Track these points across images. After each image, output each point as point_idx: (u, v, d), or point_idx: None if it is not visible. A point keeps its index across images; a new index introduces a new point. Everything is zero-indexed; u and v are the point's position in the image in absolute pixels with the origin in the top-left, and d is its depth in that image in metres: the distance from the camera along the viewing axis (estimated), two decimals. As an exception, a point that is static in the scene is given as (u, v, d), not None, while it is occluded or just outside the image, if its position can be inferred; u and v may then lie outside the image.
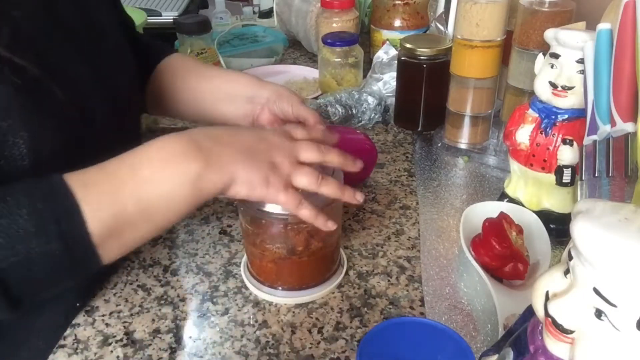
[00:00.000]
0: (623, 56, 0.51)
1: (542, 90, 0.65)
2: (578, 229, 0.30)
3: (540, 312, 0.34)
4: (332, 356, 0.55)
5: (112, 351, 0.56)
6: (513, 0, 0.80)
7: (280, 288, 0.62)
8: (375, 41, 1.16)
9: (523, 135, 0.68)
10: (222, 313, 0.60)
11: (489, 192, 0.79)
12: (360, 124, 0.96)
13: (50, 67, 0.51)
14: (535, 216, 0.67)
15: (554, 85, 0.64)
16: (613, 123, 0.52)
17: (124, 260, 0.67)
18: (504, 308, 0.56)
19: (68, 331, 0.58)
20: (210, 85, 0.74)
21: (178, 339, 0.57)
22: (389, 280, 0.64)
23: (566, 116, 0.65)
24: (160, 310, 0.61)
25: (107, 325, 0.59)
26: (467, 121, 0.86)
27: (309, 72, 1.18)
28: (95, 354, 0.55)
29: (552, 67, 0.64)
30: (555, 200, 0.69)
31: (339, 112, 0.94)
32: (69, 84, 0.53)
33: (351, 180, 0.63)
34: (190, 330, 0.58)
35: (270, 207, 0.57)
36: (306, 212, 0.54)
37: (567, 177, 0.66)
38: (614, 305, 0.29)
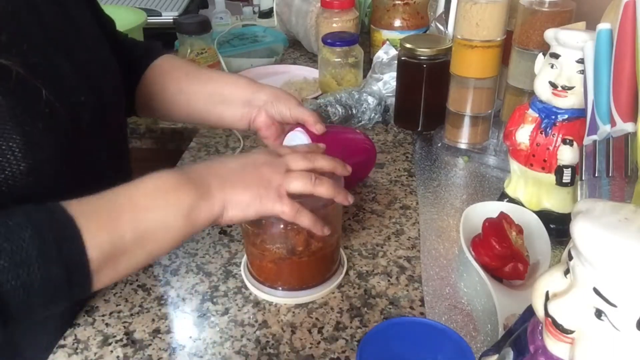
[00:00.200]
0: (623, 56, 0.50)
1: (542, 90, 0.65)
2: (578, 229, 0.30)
3: (540, 312, 0.34)
4: (332, 356, 0.55)
5: (112, 351, 0.56)
6: (513, 0, 0.80)
7: (280, 288, 0.62)
8: (375, 41, 1.16)
9: (523, 135, 0.68)
10: (222, 313, 0.60)
11: (489, 192, 0.79)
12: (360, 124, 0.96)
13: (34, 67, 0.51)
14: (535, 216, 0.67)
15: (554, 85, 0.64)
16: (613, 123, 0.52)
17: (124, 260, 0.68)
18: (504, 308, 0.56)
19: (68, 331, 0.58)
20: (205, 88, 0.74)
21: (178, 339, 0.57)
22: (389, 280, 0.64)
23: (566, 116, 0.65)
24: (160, 310, 0.61)
25: (107, 325, 0.59)
26: (467, 121, 0.86)
27: (309, 72, 1.18)
28: (95, 354, 0.55)
29: (552, 67, 0.64)
30: (555, 200, 0.69)
31: (339, 112, 0.94)
32: (53, 83, 0.52)
33: (351, 179, 0.63)
34: (190, 330, 0.58)
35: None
36: (305, 220, 0.55)
37: (567, 177, 0.66)
38: (614, 305, 0.29)
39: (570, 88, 0.63)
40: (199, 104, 0.74)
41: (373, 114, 0.96)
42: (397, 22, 1.12)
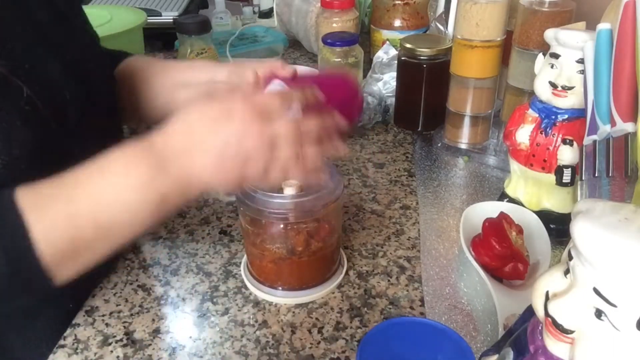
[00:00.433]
0: (623, 56, 0.50)
1: (542, 90, 0.65)
2: (578, 229, 0.30)
3: (540, 312, 0.34)
4: (332, 356, 0.55)
5: (112, 351, 0.56)
6: (513, 0, 0.80)
7: (280, 288, 0.62)
8: (375, 41, 1.16)
9: (523, 135, 0.68)
10: (222, 313, 0.60)
11: (489, 192, 0.79)
12: (360, 124, 0.96)
13: (18, 65, 0.50)
14: (535, 216, 0.67)
15: (554, 85, 0.64)
16: (613, 123, 0.52)
17: (124, 260, 0.68)
18: (504, 308, 0.56)
19: (68, 331, 0.58)
20: (165, 79, 0.70)
21: (178, 339, 0.57)
22: (389, 280, 0.64)
23: (566, 116, 0.65)
24: (160, 310, 0.61)
25: (107, 325, 0.59)
26: (467, 121, 0.86)
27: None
28: (95, 354, 0.55)
29: (552, 67, 0.64)
30: (555, 200, 0.69)
31: (339, 112, 0.94)
32: (38, 81, 0.52)
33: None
34: (190, 330, 0.58)
35: (270, 207, 0.57)
36: (298, 174, 0.51)
37: (567, 177, 0.66)
38: (614, 305, 0.29)
39: (570, 88, 0.63)
40: (164, 95, 0.70)
41: (373, 114, 0.96)
42: (397, 22, 1.12)
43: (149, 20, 1.23)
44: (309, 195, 0.58)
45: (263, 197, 0.57)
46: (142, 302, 0.62)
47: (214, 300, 0.62)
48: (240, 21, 1.51)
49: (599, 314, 0.30)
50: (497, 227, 0.62)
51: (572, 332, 0.31)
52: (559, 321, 0.32)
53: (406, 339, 0.45)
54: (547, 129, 0.66)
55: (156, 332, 0.58)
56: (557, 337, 0.32)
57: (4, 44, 0.51)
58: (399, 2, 1.10)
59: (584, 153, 0.58)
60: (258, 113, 0.47)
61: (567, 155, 0.65)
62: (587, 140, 0.58)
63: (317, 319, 0.59)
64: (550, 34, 0.64)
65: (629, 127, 0.51)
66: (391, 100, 0.98)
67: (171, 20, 1.32)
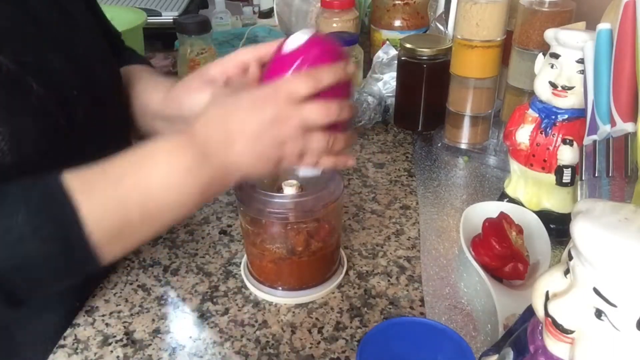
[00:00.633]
0: (623, 56, 0.50)
1: (542, 90, 0.65)
2: (578, 229, 0.30)
3: (540, 312, 0.34)
4: (332, 356, 0.55)
5: (112, 351, 0.56)
6: (513, 0, 0.80)
7: (280, 288, 0.62)
8: (375, 41, 1.15)
9: (523, 135, 0.68)
10: (222, 313, 0.60)
11: (489, 192, 0.79)
12: (360, 124, 0.96)
13: (24, 61, 0.51)
14: (535, 216, 0.67)
15: (554, 85, 0.64)
16: (613, 123, 0.52)
17: (124, 260, 0.67)
18: (504, 308, 0.56)
19: (68, 331, 0.58)
20: (146, 107, 0.69)
21: (178, 339, 0.57)
22: (389, 280, 0.64)
23: (566, 116, 0.65)
24: (160, 310, 0.61)
25: (107, 325, 0.59)
26: (467, 121, 0.86)
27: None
28: (95, 354, 0.55)
29: (552, 67, 0.64)
30: (555, 200, 0.69)
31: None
32: (45, 77, 0.52)
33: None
34: (190, 330, 0.58)
35: (270, 207, 0.57)
36: (327, 163, 0.52)
37: (567, 177, 0.66)
38: (614, 305, 0.29)
39: (570, 88, 0.63)
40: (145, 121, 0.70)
41: (373, 114, 0.96)
42: (397, 22, 1.12)
43: (149, 20, 1.22)
44: (309, 195, 0.58)
45: (263, 197, 0.57)
46: (142, 302, 0.62)
47: (214, 300, 0.62)
48: (241, 21, 1.51)
49: (599, 314, 0.30)
50: (497, 227, 0.62)
51: (572, 332, 0.31)
52: (559, 321, 0.32)
53: (406, 339, 0.45)
54: (547, 129, 0.66)
55: (156, 332, 0.58)
56: (557, 337, 0.32)
57: (7, 39, 0.51)
58: (399, 2, 1.10)
59: (584, 153, 0.58)
60: (288, 98, 0.48)
61: (567, 155, 0.65)
62: (587, 140, 0.58)
63: (317, 319, 0.59)
64: (550, 34, 0.64)
65: (629, 127, 0.51)
66: (391, 100, 0.98)
67: (171, 20, 1.32)
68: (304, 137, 0.49)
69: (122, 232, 0.47)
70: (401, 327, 0.46)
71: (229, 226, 0.74)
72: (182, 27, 1.06)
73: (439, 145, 0.91)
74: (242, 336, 0.57)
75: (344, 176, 0.83)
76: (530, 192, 0.70)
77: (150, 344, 0.56)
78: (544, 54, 0.66)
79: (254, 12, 1.56)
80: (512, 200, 0.72)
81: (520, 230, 0.63)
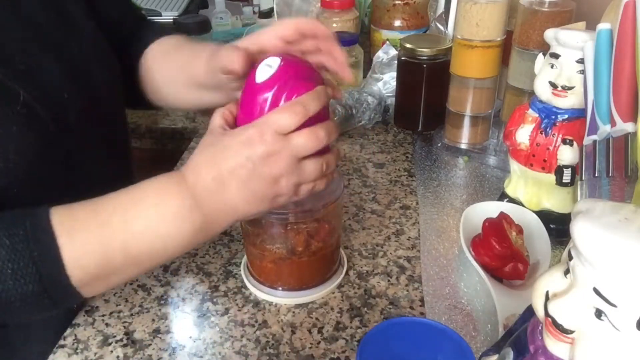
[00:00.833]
0: (623, 56, 0.50)
1: (542, 90, 0.65)
2: (578, 229, 0.30)
3: (540, 312, 0.34)
4: (332, 356, 0.55)
5: (112, 351, 0.56)
6: (513, 0, 0.80)
7: (280, 288, 0.62)
8: (375, 41, 1.15)
9: (523, 135, 0.68)
10: (222, 313, 0.60)
11: (489, 192, 0.79)
12: (360, 124, 0.96)
13: (14, 69, 0.50)
14: (535, 216, 0.67)
15: (554, 85, 0.64)
16: (613, 123, 0.52)
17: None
18: (504, 308, 0.56)
19: (68, 331, 0.58)
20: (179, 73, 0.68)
21: (178, 339, 0.57)
22: (389, 280, 0.64)
23: (566, 116, 0.65)
24: (160, 310, 0.61)
25: (107, 325, 0.59)
26: (467, 121, 0.86)
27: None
28: (95, 354, 0.55)
29: (552, 67, 0.64)
30: (555, 200, 0.69)
31: (339, 112, 0.94)
32: (35, 84, 0.52)
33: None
34: (190, 330, 0.58)
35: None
36: (321, 185, 0.52)
37: (567, 177, 0.66)
38: (614, 305, 0.29)
39: (570, 88, 0.63)
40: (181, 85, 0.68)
41: (373, 114, 0.96)
42: (397, 22, 1.12)
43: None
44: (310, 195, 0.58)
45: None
46: (142, 302, 0.62)
47: (214, 300, 0.62)
48: (241, 21, 1.51)
49: (599, 314, 0.30)
50: (497, 227, 0.62)
51: (572, 332, 0.31)
52: (559, 321, 0.32)
53: (406, 339, 0.45)
54: (547, 129, 0.66)
55: (156, 332, 0.58)
56: (557, 337, 0.32)
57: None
58: (399, 2, 1.10)
59: (584, 153, 0.58)
60: (276, 133, 0.47)
61: (567, 155, 0.65)
62: (587, 140, 0.58)
63: (317, 319, 0.59)
64: (550, 34, 0.64)
65: (629, 127, 0.51)
66: (391, 100, 0.98)
67: (171, 20, 1.32)
68: (298, 168, 0.48)
69: (104, 273, 0.47)
70: (401, 327, 0.46)
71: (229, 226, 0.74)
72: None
73: (439, 145, 0.91)
74: (242, 336, 0.57)
75: (343, 176, 0.83)
76: (530, 192, 0.70)
77: (150, 344, 0.56)
78: (544, 54, 0.66)
79: (254, 12, 1.56)
80: (512, 200, 0.72)
81: (520, 230, 0.63)
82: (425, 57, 0.89)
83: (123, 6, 0.75)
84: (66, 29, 0.60)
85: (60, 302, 0.47)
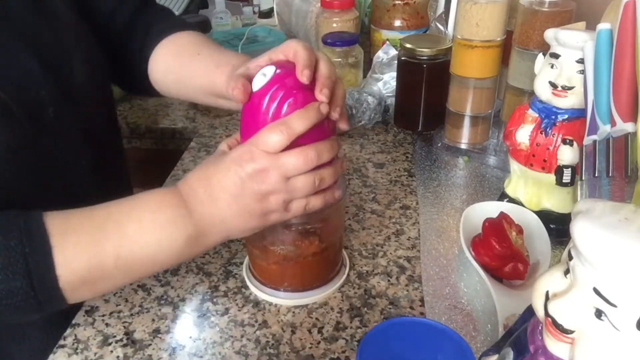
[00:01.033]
0: (623, 56, 0.50)
1: (542, 90, 0.65)
2: (578, 229, 0.30)
3: (540, 312, 0.34)
4: (332, 356, 0.55)
5: (112, 351, 0.56)
6: (513, 0, 0.80)
7: (283, 290, 0.62)
8: (375, 41, 1.15)
9: (523, 135, 0.68)
10: (222, 313, 0.60)
11: (489, 192, 0.79)
12: (360, 124, 0.96)
13: None
14: (535, 216, 0.67)
15: (554, 85, 0.64)
16: (613, 123, 0.52)
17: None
18: (504, 308, 0.56)
19: (68, 331, 0.58)
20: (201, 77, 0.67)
21: (178, 339, 0.57)
22: (389, 280, 0.64)
23: (566, 116, 0.65)
24: (160, 310, 0.61)
25: (107, 325, 0.59)
26: (467, 121, 0.86)
27: (309, 72, 1.18)
28: (95, 354, 0.55)
29: (552, 67, 0.64)
30: (555, 200, 0.69)
31: (339, 112, 0.93)
32: (10, 80, 0.51)
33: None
34: (190, 330, 0.58)
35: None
36: (317, 203, 0.52)
37: (567, 177, 0.66)
38: (614, 305, 0.29)
39: (570, 88, 0.63)
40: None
41: (373, 114, 0.96)
42: (397, 22, 1.12)
43: (149, 20, 1.22)
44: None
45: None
46: (142, 302, 0.62)
47: (214, 300, 0.62)
48: (241, 21, 1.51)
49: (599, 314, 0.30)
50: (497, 227, 0.62)
51: (572, 332, 0.31)
52: (559, 321, 0.32)
53: (406, 339, 0.45)
54: (547, 129, 0.66)
55: (156, 332, 0.58)
56: (557, 337, 0.32)
57: None
58: (399, 2, 1.10)
59: (584, 153, 0.58)
60: (264, 152, 0.49)
61: (567, 155, 0.65)
62: (587, 140, 0.58)
63: (317, 319, 0.59)
64: (550, 34, 0.64)
65: (629, 127, 0.51)
66: (391, 100, 0.98)
67: (171, 20, 1.32)
68: (287, 185, 0.49)
69: (92, 277, 0.47)
70: (401, 327, 0.46)
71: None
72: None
73: (439, 145, 0.91)
74: (242, 336, 0.57)
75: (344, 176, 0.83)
76: (530, 192, 0.70)
77: (150, 344, 0.56)
78: (544, 54, 0.66)
79: (254, 12, 1.56)
80: (512, 200, 0.72)
81: (520, 230, 0.63)
82: (425, 57, 0.89)
83: None
84: (45, 22, 0.58)
85: (44, 303, 0.47)
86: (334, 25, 1.11)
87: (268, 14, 1.51)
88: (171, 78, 0.70)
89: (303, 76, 0.50)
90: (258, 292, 0.62)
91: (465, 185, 0.82)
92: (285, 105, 0.50)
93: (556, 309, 0.32)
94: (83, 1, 0.67)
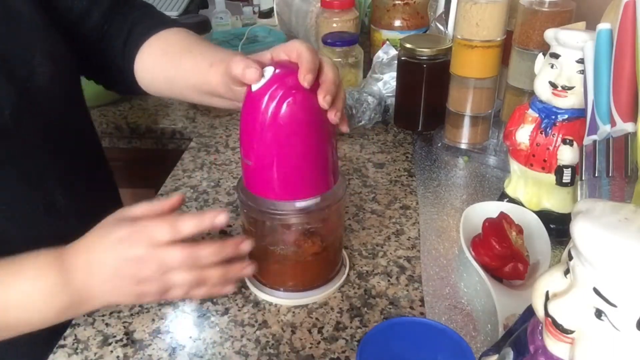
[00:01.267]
0: (623, 56, 0.50)
1: (542, 90, 0.65)
2: (578, 229, 0.30)
3: (540, 312, 0.34)
4: (332, 356, 0.55)
5: (112, 351, 0.56)
6: (513, 0, 0.80)
7: (283, 290, 0.62)
8: (375, 41, 1.15)
9: (523, 135, 0.68)
10: (222, 313, 0.60)
11: (489, 192, 0.79)
12: (360, 124, 0.96)
13: None
14: (535, 216, 0.67)
15: (554, 85, 0.64)
16: (613, 123, 0.52)
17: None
18: (504, 308, 0.56)
19: (68, 331, 0.58)
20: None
21: (178, 339, 0.57)
22: (389, 280, 0.64)
23: (566, 116, 0.65)
24: (160, 310, 0.61)
25: (107, 325, 0.59)
26: (467, 121, 0.86)
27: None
28: (95, 354, 0.55)
29: (552, 67, 0.64)
30: (555, 200, 0.69)
31: (339, 112, 0.93)
32: None
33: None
34: (190, 330, 0.58)
35: (273, 209, 0.56)
36: (199, 294, 0.53)
37: (567, 177, 0.66)
38: (614, 305, 0.29)
39: (570, 88, 0.63)
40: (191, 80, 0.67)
41: (373, 114, 0.96)
42: (397, 22, 1.12)
43: (149, 20, 1.22)
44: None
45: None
46: (142, 302, 0.62)
47: (214, 300, 0.62)
48: (241, 21, 1.51)
49: (599, 314, 0.30)
50: (497, 227, 0.62)
51: (572, 332, 0.31)
52: (559, 321, 0.32)
53: (406, 339, 0.45)
54: (547, 129, 0.66)
55: (156, 332, 0.58)
56: (557, 337, 0.32)
57: None
58: (399, 2, 1.10)
59: (584, 153, 0.58)
60: (150, 241, 0.49)
61: (567, 155, 0.65)
62: (587, 140, 0.58)
63: (317, 319, 0.59)
64: (550, 34, 0.64)
65: (629, 127, 0.51)
66: (391, 100, 0.98)
67: (171, 20, 1.32)
68: (163, 277, 0.50)
69: None
70: (401, 327, 0.46)
71: (229, 226, 0.74)
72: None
73: (439, 145, 0.91)
74: (242, 336, 0.57)
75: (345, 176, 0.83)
76: (530, 192, 0.70)
77: (150, 344, 0.56)
78: (544, 54, 0.66)
79: (254, 12, 1.56)
80: (512, 200, 0.72)
81: (520, 230, 0.63)
82: (425, 57, 0.89)
83: None
84: (6, 24, 0.57)
85: None
86: (334, 25, 1.11)
87: (268, 14, 1.51)
88: (160, 76, 0.68)
89: (305, 81, 0.49)
90: (258, 292, 0.62)
91: (465, 185, 0.82)
92: (285, 105, 0.50)
93: (556, 309, 0.32)
94: (53, 0, 0.65)
